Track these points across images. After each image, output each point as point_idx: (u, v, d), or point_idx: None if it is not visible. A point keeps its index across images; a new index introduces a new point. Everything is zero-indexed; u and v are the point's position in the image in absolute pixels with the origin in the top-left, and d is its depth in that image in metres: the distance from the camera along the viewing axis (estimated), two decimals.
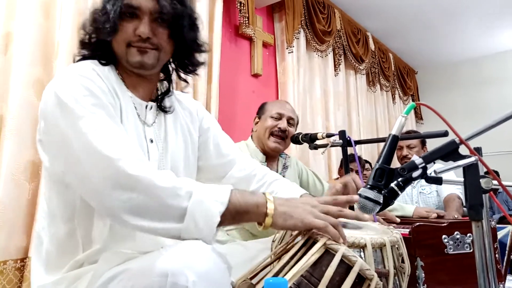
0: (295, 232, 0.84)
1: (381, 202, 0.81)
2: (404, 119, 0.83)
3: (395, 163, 2.91)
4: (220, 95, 2.66)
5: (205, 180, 1.18)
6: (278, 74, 3.52)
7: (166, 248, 0.71)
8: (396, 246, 0.87)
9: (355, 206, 0.86)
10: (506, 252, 1.65)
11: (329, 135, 1.56)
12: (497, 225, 1.62)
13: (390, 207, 0.88)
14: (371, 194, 0.80)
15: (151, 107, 1.00)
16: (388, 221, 1.55)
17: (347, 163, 1.44)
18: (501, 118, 0.77)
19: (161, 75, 1.07)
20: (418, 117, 6.30)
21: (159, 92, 1.05)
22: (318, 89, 3.83)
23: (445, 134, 1.07)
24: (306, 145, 1.70)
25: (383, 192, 0.81)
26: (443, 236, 1.38)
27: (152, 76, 1.01)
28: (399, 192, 0.83)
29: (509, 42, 5.52)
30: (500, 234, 1.80)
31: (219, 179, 1.15)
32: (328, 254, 0.74)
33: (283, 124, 1.82)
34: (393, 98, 5.70)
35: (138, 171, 0.73)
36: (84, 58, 0.96)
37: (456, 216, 1.98)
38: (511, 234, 1.76)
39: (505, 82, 5.81)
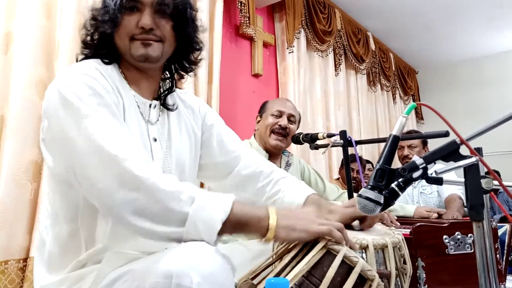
0: None
1: (382, 202, 0.81)
2: (405, 120, 0.83)
3: (397, 163, 2.91)
4: (220, 95, 2.66)
5: (208, 178, 1.17)
6: (279, 74, 3.52)
7: (170, 249, 0.71)
8: (398, 247, 0.87)
9: (356, 206, 0.86)
10: (505, 251, 1.65)
11: (329, 135, 1.56)
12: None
13: (390, 208, 0.88)
14: (372, 194, 0.79)
15: (155, 106, 1.00)
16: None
17: (348, 163, 1.44)
18: (502, 118, 0.77)
19: (163, 75, 1.07)
20: (419, 117, 6.29)
21: (162, 90, 1.04)
22: (319, 89, 3.83)
23: (445, 134, 1.07)
24: (307, 145, 1.70)
25: (384, 192, 0.81)
26: (444, 237, 1.38)
27: (155, 73, 1.01)
28: (400, 193, 0.83)
29: (509, 42, 5.52)
30: (498, 233, 1.80)
31: (223, 177, 1.12)
32: (329, 254, 0.75)
33: (283, 121, 1.82)
34: (394, 98, 5.70)
35: (143, 172, 0.73)
36: (86, 57, 0.96)
37: (455, 216, 1.98)
38: (509, 233, 1.76)
39: (506, 82, 5.80)
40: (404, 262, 0.89)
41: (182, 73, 1.07)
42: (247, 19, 2.96)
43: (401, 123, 0.83)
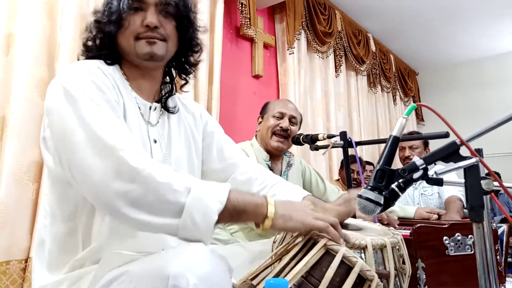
0: (296, 233, 0.84)
1: (382, 203, 0.81)
2: (405, 121, 0.83)
3: (398, 164, 2.91)
4: (221, 96, 2.67)
5: None
6: (279, 75, 3.53)
7: (167, 250, 0.71)
8: (397, 247, 0.87)
9: (356, 207, 0.86)
10: (504, 252, 1.64)
11: (330, 136, 1.56)
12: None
13: (390, 209, 0.88)
14: (372, 195, 0.79)
15: (155, 108, 1.00)
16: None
17: (348, 164, 1.44)
18: (502, 119, 0.77)
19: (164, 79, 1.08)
20: (419, 118, 6.29)
21: (163, 93, 1.05)
22: (319, 90, 3.83)
23: (446, 135, 1.07)
24: (307, 146, 1.71)
25: (384, 193, 0.81)
26: (444, 238, 1.38)
27: (156, 74, 1.01)
28: (400, 193, 0.83)
29: (509, 44, 5.52)
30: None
31: (222, 182, 1.14)
32: (328, 255, 0.75)
33: (284, 123, 1.82)
34: (394, 99, 5.71)
35: (139, 163, 0.73)
36: (88, 58, 0.97)
37: (457, 218, 1.98)
38: (507, 233, 1.76)
39: (505, 83, 5.81)
40: (403, 262, 0.89)
41: (183, 75, 1.08)
42: (247, 20, 2.96)
43: (401, 124, 0.83)
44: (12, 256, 1.59)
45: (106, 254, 0.79)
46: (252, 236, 1.64)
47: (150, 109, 0.99)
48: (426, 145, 2.64)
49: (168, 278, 0.63)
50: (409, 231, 1.37)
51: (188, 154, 1.06)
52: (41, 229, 0.92)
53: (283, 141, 1.82)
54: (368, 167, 3.56)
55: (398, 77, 5.79)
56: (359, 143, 1.48)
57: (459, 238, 1.39)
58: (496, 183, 0.78)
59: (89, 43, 0.97)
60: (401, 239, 0.90)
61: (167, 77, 1.08)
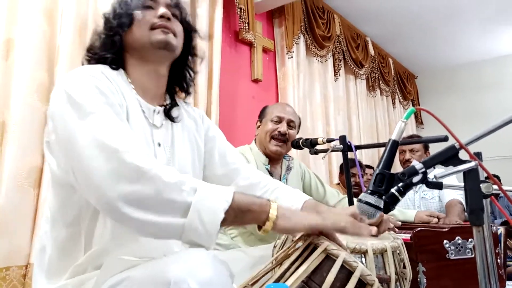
0: (296, 238, 0.84)
1: (382, 207, 0.81)
2: (404, 124, 0.83)
3: (398, 166, 2.91)
4: (220, 101, 2.67)
5: None
6: (278, 80, 3.53)
7: (168, 256, 0.71)
8: (398, 251, 0.87)
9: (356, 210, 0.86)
10: (502, 254, 1.64)
11: (329, 140, 1.56)
12: None
13: (390, 213, 0.88)
14: (372, 199, 0.79)
15: (158, 112, 1.01)
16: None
17: (347, 168, 1.44)
18: (501, 123, 0.77)
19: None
20: (419, 121, 6.30)
21: (167, 102, 1.06)
22: (318, 94, 3.84)
23: (445, 139, 1.07)
24: (306, 150, 1.71)
25: (383, 197, 0.81)
26: (445, 241, 1.38)
27: (162, 72, 1.03)
28: (400, 197, 0.83)
29: (508, 47, 5.55)
30: None
31: None
32: (329, 259, 0.74)
33: (283, 127, 1.83)
34: (393, 103, 5.71)
35: (145, 163, 0.73)
36: (92, 63, 0.98)
37: (457, 221, 1.97)
38: (504, 235, 1.76)
39: (504, 86, 5.82)
40: (404, 267, 0.88)
41: (184, 83, 1.11)
42: (246, 25, 2.97)
43: (400, 128, 0.83)
44: (12, 262, 1.58)
45: (108, 260, 0.79)
46: (251, 241, 1.64)
47: (154, 112, 0.99)
48: (426, 148, 2.65)
49: (170, 283, 0.63)
50: (410, 235, 1.37)
51: (192, 160, 1.06)
52: (43, 235, 0.92)
53: (281, 145, 1.82)
54: (368, 171, 3.56)
55: (397, 80, 5.80)
56: (358, 147, 1.48)
57: (459, 241, 1.39)
58: (495, 187, 0.78)
59: (96, 44, 0.99)
60: (402, 243, 0.90)
61: (171, 89, 1.10)
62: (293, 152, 2.91)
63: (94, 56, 0.98)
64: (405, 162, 2.59)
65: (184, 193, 0.72)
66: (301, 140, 1.72)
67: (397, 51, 5.58)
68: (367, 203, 0.80)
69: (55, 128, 0.84)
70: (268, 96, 3.41)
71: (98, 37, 0.99)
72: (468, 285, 1.30)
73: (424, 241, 1.36)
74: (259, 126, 1.93)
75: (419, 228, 1.38)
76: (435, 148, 0.90)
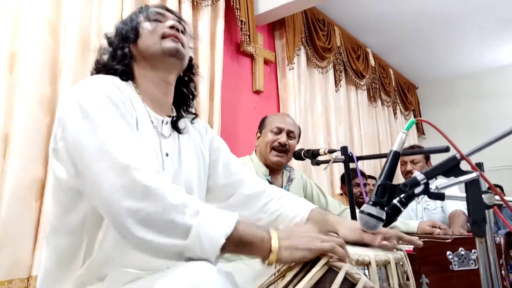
0: None
1: (384, 218, 0.80)
2: (405, 136, 0.84)
3: (399, 177, 2.90)
4: (222, 112, 2.68)
5: (213, 200, 1.18)
6: (280, 91, 3.55)
7: (171, 268, 0.70)
8: (401, 263, 0.87)
9: (358, 222, 0.85)
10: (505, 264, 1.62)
11: (331, 151, 1.56)
12: None
13: (392, 224, 0.88)
14: (374, 210, 0.79)
15: (167, 122, 1.02)
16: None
17: (349, 180, 1.44)
18: (502, 133, 0.77)
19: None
20: (420, 132, 6.30)
21: (174, 114, 1.07)
22: (319, 105, 3.85)
23: (446, 149, 1.07)
24: (308, 160, 1.71)
25: (386, 208, 0.81)
26: (448, 252, 1.37)
27: (170, 81, 1.05)
28: (402, 209, 0.83)
29: (508, 57, 5.57)
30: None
31: (226, 198, 1.15)
32: (331, 271, 0.74)
33: (282, 138, 1.83)
34: (395, 113, 5.72)
35: (153, 182, 0.73)
36: (100, 74, 1.00)
37: (461, 231, 1.96)
38: (504, 245, 1.74)
39: (504, 96, 5.84)
40: (407, 278, 0.88)
41: (186, 99, 1.15)
42: (247, 37, 3.00)
43: (401, 139, 0.84)
44: (14, 275, 1.57)
45: (111, 272, 0.78)
46: None
47: (162, 122, 1.01)
48: (427, 159, 2.65)
49: None
50: (413, 246, 1.36)
51: (198, 171, 1.07)
52: (44, 247, 0.92)
53: (282, 156, 1.82)
54: (370, 181, 3.55)
55: (398, 91, 5.82)
56: (360, 158, 1.48)
57: (462, 252, 1.38)
58: (497, 197, 0.78)
59: (104, 56, 1.02)
60: (405, 255, 0.90)
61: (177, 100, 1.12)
62: (294, 163, 2.91)
63: (104, 67, 1.00)
64: (407, 173, 2.59)
65: (186, 216, 0.72)
66: (302, 151, 1.72)
67: (398, 61, 5.61)
68: (369, 214, 0.80)
69: (64, 136, 0.84)
70: (270, 107, 3.42)
71: (107, 50, 1.01)
72: None
73: (427, 252, 1.35)
74: (259, 137, 1.94)
75: (422, 239, 1.37)
76: (436, 159, 0.90)
